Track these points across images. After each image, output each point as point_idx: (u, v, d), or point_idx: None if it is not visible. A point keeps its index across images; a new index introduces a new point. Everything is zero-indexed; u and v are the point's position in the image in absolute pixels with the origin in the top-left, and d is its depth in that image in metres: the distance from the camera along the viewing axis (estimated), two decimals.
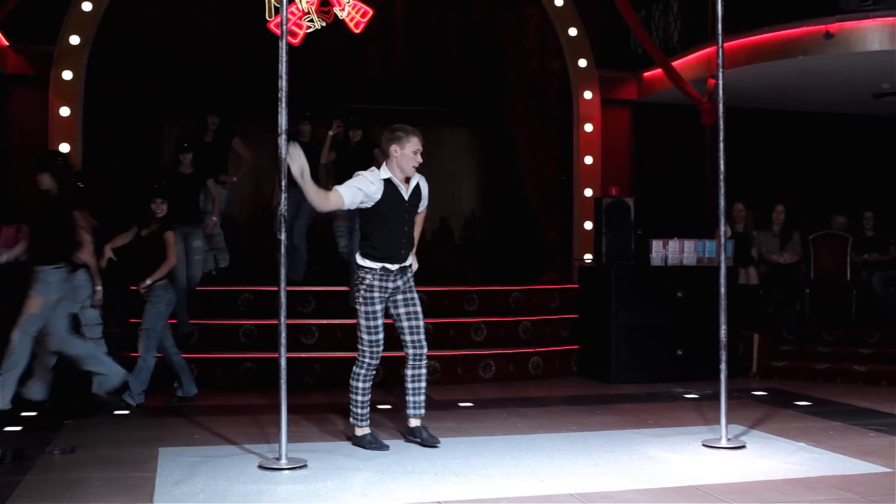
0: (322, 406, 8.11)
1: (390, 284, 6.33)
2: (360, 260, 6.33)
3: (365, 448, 6.36)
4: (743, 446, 6.43)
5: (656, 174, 12.96)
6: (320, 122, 10.87)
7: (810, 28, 10.45)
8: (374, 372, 6.46)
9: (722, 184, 6.61)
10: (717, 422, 6.55)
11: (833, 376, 9.83)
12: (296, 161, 5.85)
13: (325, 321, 9.66)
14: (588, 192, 12.27)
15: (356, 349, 6.39)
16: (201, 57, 11.76)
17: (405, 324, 6.42)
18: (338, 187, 6.27)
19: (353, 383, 6.39)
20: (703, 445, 6.46)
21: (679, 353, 9.80)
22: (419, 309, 6.46)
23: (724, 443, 6.42)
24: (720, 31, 6.74)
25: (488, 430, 7.08)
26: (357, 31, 10.59)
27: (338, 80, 12.39)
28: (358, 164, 9.66)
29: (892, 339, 9.95)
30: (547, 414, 7.73)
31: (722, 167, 6.61)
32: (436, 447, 6.38)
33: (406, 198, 6.44)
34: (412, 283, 6.48)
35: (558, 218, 12.51)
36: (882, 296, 10.77)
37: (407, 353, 6.49)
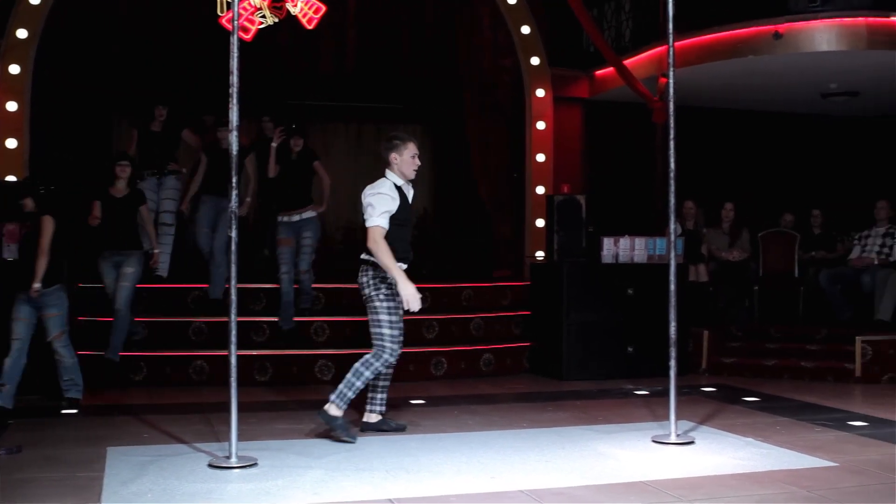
0: (273, 404, 8.09)
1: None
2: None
3: (335, 430, 6.51)
4: (692, 442, 6.50)
5: (608, 172, 13.04)
6: (272, 119, 10.76)
7: (760, 28, 10.58)
8: (391, 367, 6.78)
9: (672, 182, 6.68)
10: (667, 418, 6.62)
11: (781, 372, 9.97)
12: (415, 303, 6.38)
13: (275, 318, 9.61)
14: (540, 190, 12.33)
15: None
16: (152, 50, 11.64)
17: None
18: (374, 224, 6.46)
19: (362, 370, 6.51)
20: (653, 441, 6.52)
21: (630, 349, 9.88)
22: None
23: (673, 438, 6.48)
24: (671, 30, 6.80)
25: (440, 427, 7.09)
26: (310, 28, 10.56)
27: (290, 77, 12.34)
28: (300, 178, 9.70)
29: (838, 335, 10.09)
30: (498, 411, 7.76)
31: (672, 165, 6.67)
32: (404, 430, 6.81)
33: (410, 199, 6.79)
34: None
35: (510, 215, 12.56)
36: (829, 293, 10.91)
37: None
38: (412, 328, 9.90)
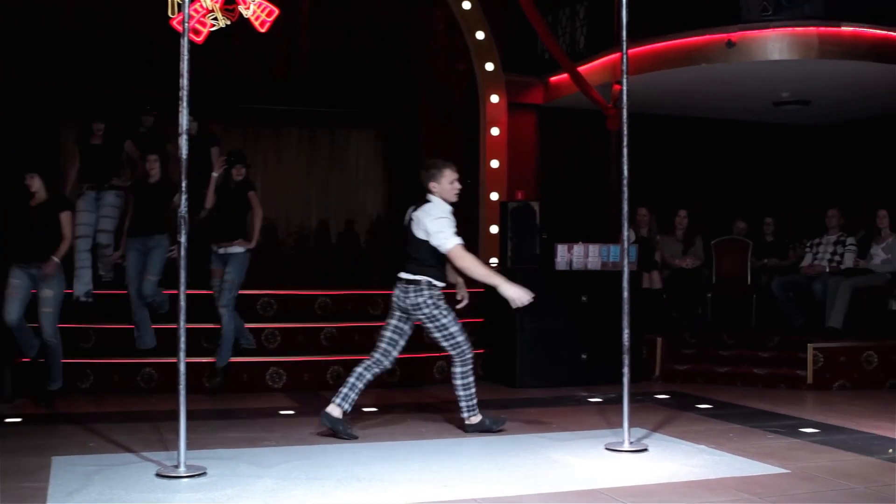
0: (223, 412, 8.00)
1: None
2: (436, 282, 6.86)
3: (492, 431, 7.09)
4: (645, 449, 6.51)
5: (562, 179, 13.09)
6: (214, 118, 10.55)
7: (713, 36, 10.67)
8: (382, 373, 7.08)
9: (625, 189, 6.69)
10: (620, 425, 6.63)
11: (734, 379, 10.04)
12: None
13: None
14: (494, 196, 12.34)
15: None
16: (101, 54, 11.50)
17: (394, 337, 7.00)
18: (454, 242, 6.74)
19: (467, 380, 7.03)
20: (606, 449, 6.53)
21: (584, 357, 9.89)
22: None
23: (626, 446, 6.49)
24: (625, 38, 6.82)
25: (392, 435, 7.06)
26: (262, 31, 10.48)
27: (243, 81, 12.26)
28: (235, 210, 9.14)
29: (790, 342, 10.18)
30: (452, 419, 7.73)
31: (626, 172, 6.69)
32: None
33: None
34: None
35: (464, 221, 12.54)
36: (781, 300, 10.99)
37: (378, 359, 7.03)
38: (366, 334, 9.89)
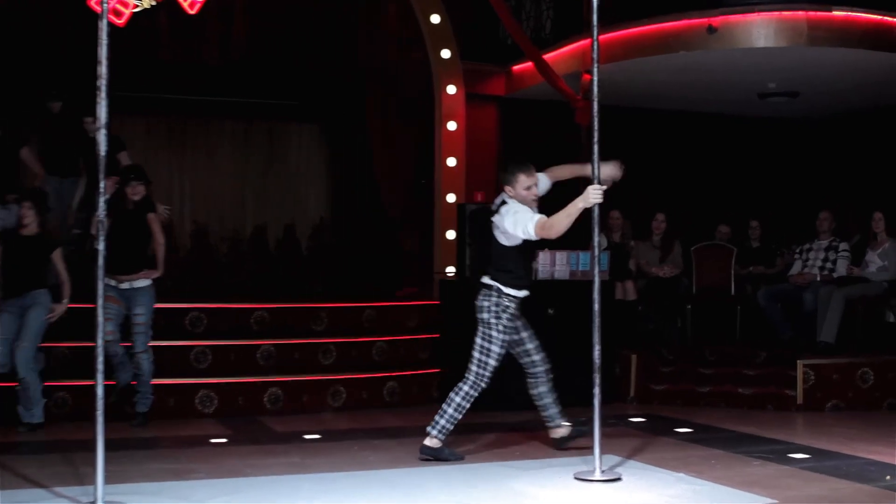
0: (146, 441, 7.93)
1: (518, 312, 7.34)
2: (505, 289, 7.21)
3: (446, 459, 7.21)
4: (618, 478, 6.53)
5: None
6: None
7: (692, 21, 10.72)
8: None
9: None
10: (591, 452, 6.64)
11: (716, 400, 10.09)
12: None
13: (154, 343, 9.24)
14: (451, 198, 12.33)
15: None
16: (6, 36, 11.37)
17: (531, 345, 7.49)
18: (535, 220, 6.98)
19: (461, 402, 7.28)
20: (576, 478, 6.54)
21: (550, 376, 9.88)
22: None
23: (597, 475, 6.50)
24: (595, 23, 6.83)
25: (337, 465, 7.02)
26: (192, 13, 10.35)
27: (170, 68, 12.17)
28: (134, 236, 8.69)
29: (778, 359, 10.26)
30: (403, 446, 7.71)
31: (597, 171, 6.72)
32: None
33: None
34: None
35: (418, 226, 12.55)
36: (768, 312, 11.07)
37: (536, 371, 7.59)
38: (308, 352, 9.85)
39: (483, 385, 7.26)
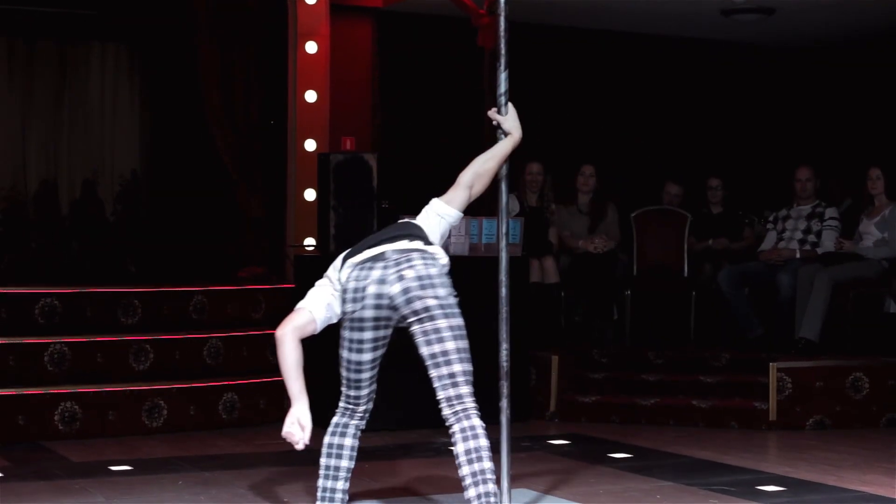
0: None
1: None
2: None
3: None
4: None
5: (412, 120, 13.11)
6: None
7: None
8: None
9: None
10: (498, 486, 6.68)
11: (663, 416, 10.23)
12: None
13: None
14: (310, 146, 12.30)
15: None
16: None
17: None
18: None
19: None
20: None
21: None
22: None
23: None
24: None
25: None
26: None
27: None
28: None
29: (744, 362, 10.40)
30: (246, 479, 7.70)
31: (505, 110, 6.70)
32: None
33: None
34: None
35: (264, 184, 12.49)
36: (732, 299, 11.17)
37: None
38: (115, 354, 9.76)
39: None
